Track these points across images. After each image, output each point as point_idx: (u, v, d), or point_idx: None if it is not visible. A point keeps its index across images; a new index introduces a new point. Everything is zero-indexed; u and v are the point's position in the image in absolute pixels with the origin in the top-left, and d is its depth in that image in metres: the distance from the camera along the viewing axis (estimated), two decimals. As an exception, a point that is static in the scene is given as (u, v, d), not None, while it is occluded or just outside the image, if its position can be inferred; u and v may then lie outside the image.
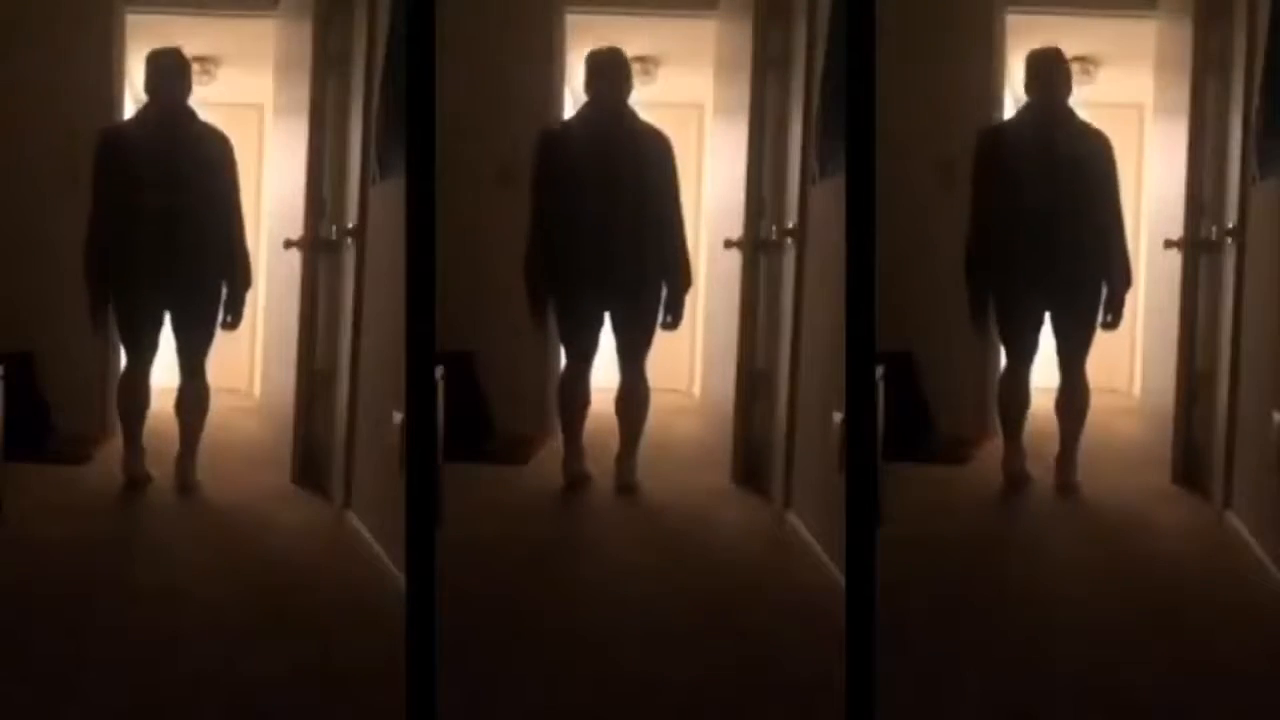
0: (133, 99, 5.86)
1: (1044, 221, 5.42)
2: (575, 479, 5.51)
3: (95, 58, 5.67)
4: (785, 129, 5.35)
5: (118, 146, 5.54)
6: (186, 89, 5.57)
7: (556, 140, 5.56)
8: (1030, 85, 5.47)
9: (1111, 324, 5.48)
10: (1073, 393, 5.46)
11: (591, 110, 5.56)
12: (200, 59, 5.75)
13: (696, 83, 5.84)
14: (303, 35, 5.56)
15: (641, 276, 5.57)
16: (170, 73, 5.54)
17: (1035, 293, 5.45)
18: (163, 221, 5.50)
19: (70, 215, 5.50)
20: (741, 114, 5.58)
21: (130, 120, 5.64)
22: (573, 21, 5.61)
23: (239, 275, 5.59)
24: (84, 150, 5.54)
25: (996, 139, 5.46)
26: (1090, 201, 5.44)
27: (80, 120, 5.51)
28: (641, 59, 5.85)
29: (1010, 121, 5.51)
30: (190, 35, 5.50)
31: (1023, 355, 5.47)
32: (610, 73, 5.56)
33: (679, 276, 5.60)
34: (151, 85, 5.56)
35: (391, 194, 4.79)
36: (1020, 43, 5.51)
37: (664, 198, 5.56)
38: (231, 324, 5.60)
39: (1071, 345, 5.48)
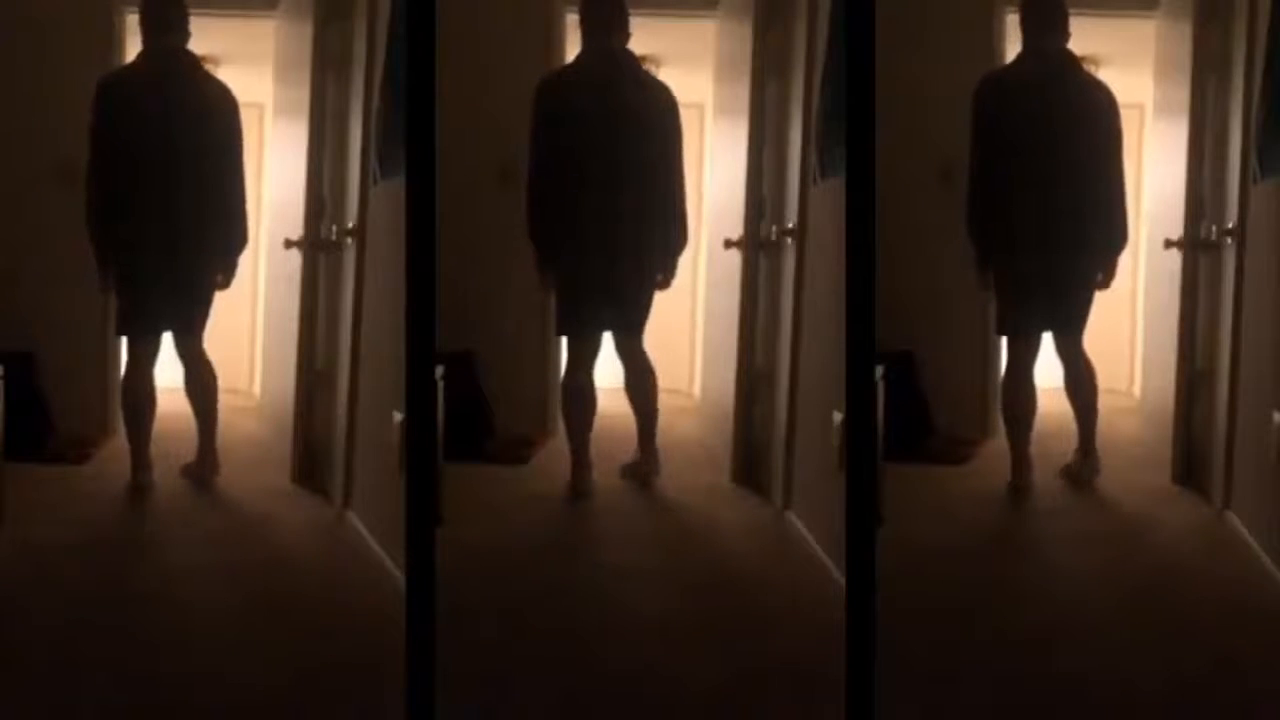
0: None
1: (1045, 175, 5.36)
2: (581, 492, 5.47)
3: (95, 58, 5.67)
4: (785, 129, 5.35)
5: (118, 92, 5.44)
6: (185, 30, 5.47)
7: (558, 88, 5.46)
8: (1031, 30, 5.38)
9: (1103, 284, 5.43)
10: (1077, 377, 5.42)
11: (593, 59, 5.46)
12: (200, 59, 5.74)
13: (696, 83, 5.84)
14: (303, 35, 5.56)
15: (646, 239, 5.48)
16: (167, 15, 5.46)
17: (1035, 253, 5.37)
18: (164, 170, 5.42)
19: (70, 215, 5.50)
20: (741, 114, 5.58)
21: (129, 66, 5.55)
22: (573, 21, 5.60)
23: (236, 232, 5.52)
24: (84, 150, 5.54)
25: (997, 87, 5.37)
26: (1092, 157, 5.37)
27: (80, 120, 5.50)
28: (642, 59, 5.84)
29: (1011, 68, 5.43)
30: (191, 35, 5.49)
31: (1025, 336, 5.39)
32: (605, 14, 5.47)
33: (678, 235, 5.53)
34: (150, 28, 5.46)
35: (391, 194, 4.79)
36: (1020, 42, 5.50)
37: (668, 156, 5.48)
38: (223, 284, 5.54)
39: (1071, 321, 5.41)
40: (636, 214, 5.46)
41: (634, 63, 5.52)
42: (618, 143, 5.45)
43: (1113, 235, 5.41)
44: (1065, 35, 5.37)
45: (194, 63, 5.50)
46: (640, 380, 5.52)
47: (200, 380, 5.51)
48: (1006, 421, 5.39)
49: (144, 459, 5.44)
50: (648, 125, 5.47)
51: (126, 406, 5.46)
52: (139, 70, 5.50)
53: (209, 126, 5.46)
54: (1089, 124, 5.36)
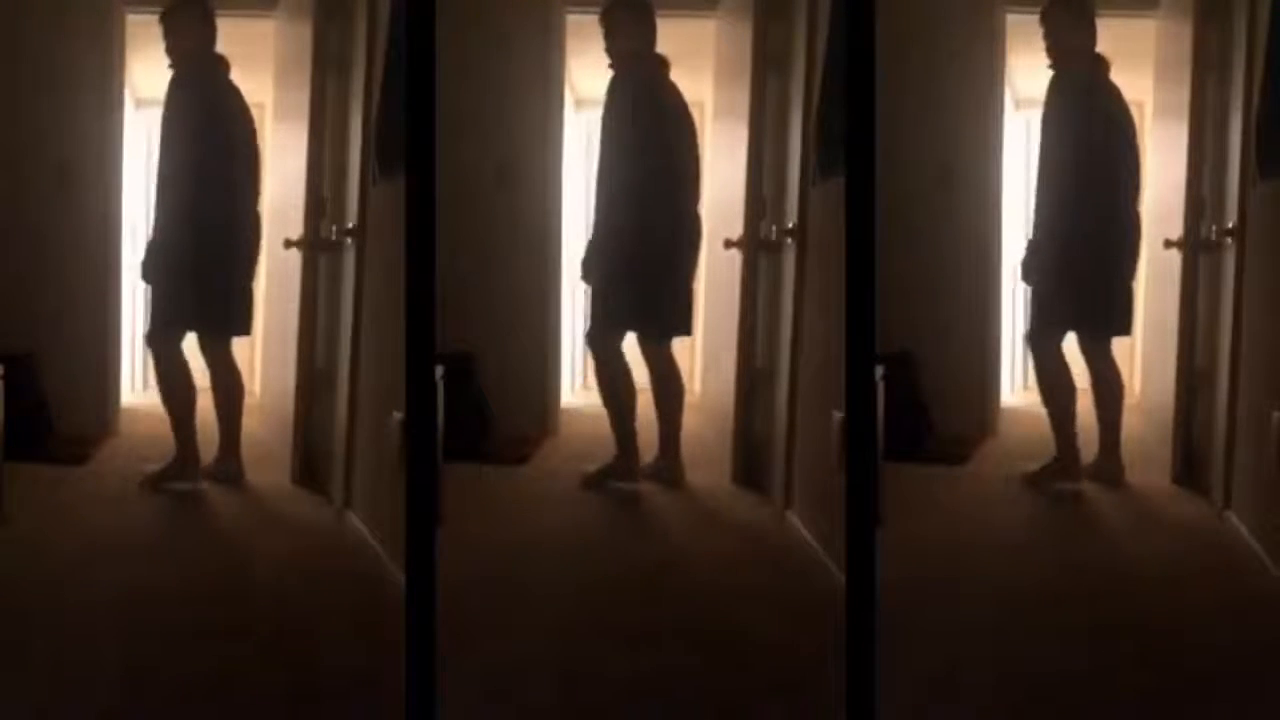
0: (132, 99, 5.87)
1: (1092, 179, 5.44)
2: (627, 477, 5.49)
3: (95, 58, 5.67)
4: (785, 129, 5.35)
5: (178, 95, 5.52)
6: (214, 34, 5.56)
7: (651, 90, 5.56)
8: (1066, 34, 5.45)
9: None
10: (1101, 384, 5.47)
11: (635, 63, 5.54)
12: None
13: (696, 83, 5.84)
14: (303, 35, 5.57)
15: (678, 243, 5.60)
16: (195, 17, 5.54)
17: (1081, 253, 5.46)
18: (199, 173, 5.50)
19: (70, 215, 5.51)
20: (741, 114, 5.58)
21: (186, 65, 5.57)
22: (573, 21, 5.61)
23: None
24: (84, 150, 5.55)
25: (1057, 90, 5.47)
26: (1126, 161, 5.47)
27: (80, 120, 5.51)
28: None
29: (1071, 71, 5.47)
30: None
31: (1053, 330, 5.46)
32: (644, 21, 5.57)
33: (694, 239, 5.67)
34: (179, 32, 5.53)
35: (391, 194, 4.79)
36: (1020, 43, 5.52)
37: (695, 160, 5.63)
38: None
39: (1100, 323, 5.48)
40: (680, 217, 5.52)
41: (667, 68, 5.58)
42: (664, 144, 5.51)
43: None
44: (1095, 38, 5.44)
45: (225, 67, 5.55)
46: (666, 385, 5.56)
47: (224, 384, 5.54)
48: (1050, 405, 5.43)
49: (193, 451, 5.45)
50: (685, 128, 5.55)
51: (170, 395, 5.47)
52: (194, 72, 5.54)
53: (241, 132, 5.53)
54: (1126, 127, 5.44)
